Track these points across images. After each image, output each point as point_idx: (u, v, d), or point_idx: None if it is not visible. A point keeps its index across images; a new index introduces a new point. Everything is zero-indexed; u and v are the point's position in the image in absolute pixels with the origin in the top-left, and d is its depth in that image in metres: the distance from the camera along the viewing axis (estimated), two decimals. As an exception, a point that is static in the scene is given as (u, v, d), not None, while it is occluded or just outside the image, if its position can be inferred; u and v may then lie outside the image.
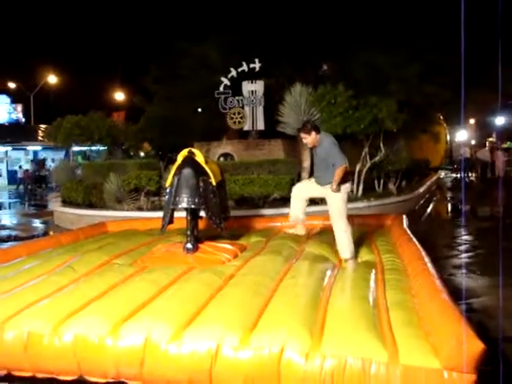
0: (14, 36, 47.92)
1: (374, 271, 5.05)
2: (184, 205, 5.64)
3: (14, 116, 40.86)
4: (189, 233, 5.79)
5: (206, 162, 5.95)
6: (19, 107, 41.44)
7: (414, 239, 6.14)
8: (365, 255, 5.94)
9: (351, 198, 12.20)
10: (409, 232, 6.77)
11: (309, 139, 6.00)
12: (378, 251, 6.07)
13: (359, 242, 6.41)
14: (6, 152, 32.32)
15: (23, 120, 41.35)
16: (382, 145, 13.06)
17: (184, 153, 5.90)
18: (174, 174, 5.75)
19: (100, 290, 4.37)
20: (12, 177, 32.22)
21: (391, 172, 14.19)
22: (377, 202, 12.33)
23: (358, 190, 12.72)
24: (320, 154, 6.04)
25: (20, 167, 29.70)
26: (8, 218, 16.61)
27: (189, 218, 5.83)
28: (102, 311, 3.79)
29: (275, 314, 3.68)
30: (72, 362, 3.49)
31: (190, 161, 5.81)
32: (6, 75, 41.35)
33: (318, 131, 6.01)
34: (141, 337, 3.39)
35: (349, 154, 12.68)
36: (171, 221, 5.92)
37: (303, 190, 6.54)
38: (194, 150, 5.97)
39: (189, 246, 5.72)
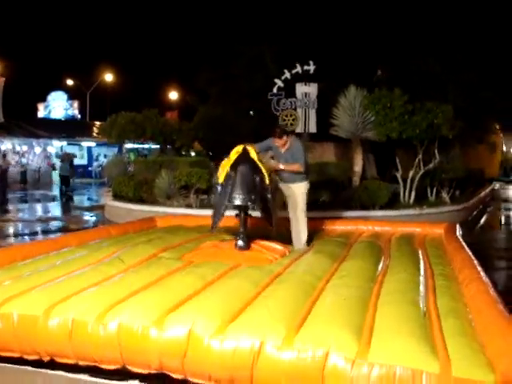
0: (72, 35, 49.19)
1: (423, 276, 4.84)
2: (239, 202, 5.50)
3: (70, 112, 41.97)
4: (241, 230, 5.73)
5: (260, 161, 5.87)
6: (75, 104, 42.54)
7: (467, 248, 5.92)
8: (415, 260, 5.67)
9: (403, 205, 12.03)
10: (461, 240, 6.54)
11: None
12: (427, 257, 5.86)
13: (408, 248, 6.24)
14: (61, 147, 32.98)
15: (79, 116, 42.37)
16: (436, 152, 12.72)
17: (238, 149, 5.77)
18: (229, 170, 5.63)
19: (146, 282, 4.36)
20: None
21: (445, 180, 13.81)
22: (429, 211, 12.05)
23: (409, 197, 12.44)
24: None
25: None
26: (60, 211, 16.99)
27: (242, 215, 5.77)
28: (148, 302, 3.76)
29: (321, 315, 3.56)
30: (115, 351, 3.46)
31: (246, 157, 5.70)
32: (63, 72, 42.66)
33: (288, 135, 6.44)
34: (184, 329, 3.34)
35: (402, 160, 12.55)
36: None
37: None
38: (248, 146, 5.84)
39: (241, 243, 5.64)
